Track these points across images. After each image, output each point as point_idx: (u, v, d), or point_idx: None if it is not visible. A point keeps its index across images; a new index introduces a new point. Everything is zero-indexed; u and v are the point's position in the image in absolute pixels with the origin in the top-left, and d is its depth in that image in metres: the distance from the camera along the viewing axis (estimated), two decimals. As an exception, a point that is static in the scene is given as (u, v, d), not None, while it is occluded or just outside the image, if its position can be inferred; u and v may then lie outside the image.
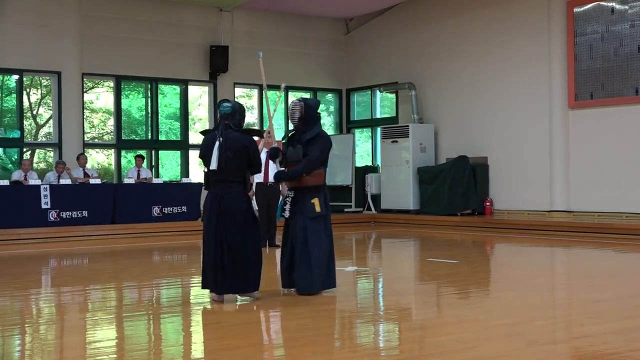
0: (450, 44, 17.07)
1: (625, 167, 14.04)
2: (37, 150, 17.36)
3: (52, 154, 16.31)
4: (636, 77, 13.89)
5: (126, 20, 16.68)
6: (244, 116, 6.78)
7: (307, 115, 6.98)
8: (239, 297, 6.79)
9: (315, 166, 6.92)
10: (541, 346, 4.99)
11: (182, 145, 17.76)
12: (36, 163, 16.88)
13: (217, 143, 6.54)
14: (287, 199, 7.04)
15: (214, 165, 6.54)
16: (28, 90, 16.91)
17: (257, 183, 11.34)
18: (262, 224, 11.39)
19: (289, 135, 7.30)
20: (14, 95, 16.15)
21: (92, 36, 16.25)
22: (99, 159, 18.22)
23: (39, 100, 17.30)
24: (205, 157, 6.69)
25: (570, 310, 6.64)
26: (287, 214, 7.01)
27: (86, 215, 13.96)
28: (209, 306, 6.92)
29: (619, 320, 5.87)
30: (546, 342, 5.14)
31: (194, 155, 18.53)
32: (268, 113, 7.85)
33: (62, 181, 14.20)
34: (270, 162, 11.52)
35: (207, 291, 8.13)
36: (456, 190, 15.83)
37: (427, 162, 16.93)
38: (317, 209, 6.91)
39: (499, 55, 16.10)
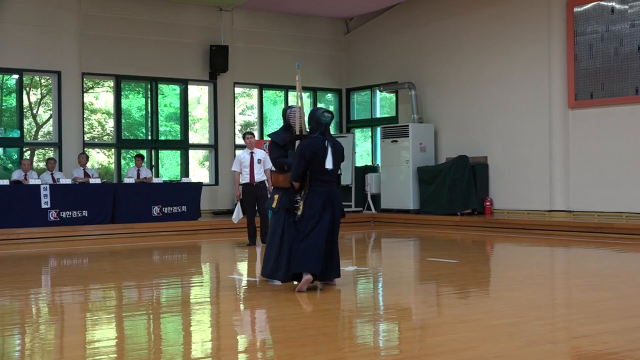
0: (450, 43, 17.07)
1: (625, 167, 14.04)
2: (37, 150, 17.36)
3: (52, 153, 16.31)
4: (636, 77, 13.89)
5: (126, 20, 16.67)
6: None
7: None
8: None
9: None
10: (541, 346, 4.99)
11: (182, 145, 17.75)
12: (36, 163, 16.88)
13: (329, 149, 7.24)
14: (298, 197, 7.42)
15: (329, 165, 7.22)
16: (28, 89, 16.91)
17: (244, 184, 11.62)
18: (250, 222, 12.00)
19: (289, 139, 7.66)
20: (13, 95, 16.15)
21: (92, 36, 16.25)
22: (99, 158, 18.22)
23: (38, 100, 17.30)
24: (314, 159, 7.15)
25: (570, 310, 6.63)
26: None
27: (86, 215, 13.97)
28: (208, 306, 6.93)
29: (619, 320, 5.87)
30: (546, 341, 5.14)
31: (193, 155, 18.54)
32: (302, 122, 7.67)
33: (56, 176, 14.22)
34: (255, 162, 11.80)
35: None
36: (456, 190, 15.83)
37: (427, 161, 16.93)
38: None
39: (499, 55, 16.10)
